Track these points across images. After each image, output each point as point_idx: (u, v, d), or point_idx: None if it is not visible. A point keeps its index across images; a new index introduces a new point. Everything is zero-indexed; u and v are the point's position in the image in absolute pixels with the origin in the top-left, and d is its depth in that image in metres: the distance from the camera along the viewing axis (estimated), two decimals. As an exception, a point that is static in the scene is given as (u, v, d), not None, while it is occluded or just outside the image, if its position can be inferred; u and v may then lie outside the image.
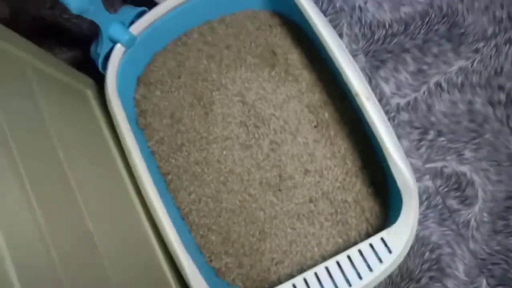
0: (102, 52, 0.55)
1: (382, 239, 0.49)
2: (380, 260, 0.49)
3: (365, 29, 0.71)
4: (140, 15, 0.60)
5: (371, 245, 0.49)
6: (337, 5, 0.74)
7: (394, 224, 0.49)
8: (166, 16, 0.62)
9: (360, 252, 0.49)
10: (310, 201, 0.59)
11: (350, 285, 0.48)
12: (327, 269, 0.50)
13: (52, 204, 0.36)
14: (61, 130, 0.45)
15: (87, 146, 0.52)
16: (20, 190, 0.33)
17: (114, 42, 0.55)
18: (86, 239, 0.39)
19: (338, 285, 0.48)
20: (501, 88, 0.66)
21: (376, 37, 0.70)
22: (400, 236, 0.49)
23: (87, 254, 0.38)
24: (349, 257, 0.50)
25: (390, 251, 0.49)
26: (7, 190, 0.31)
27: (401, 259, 0.49)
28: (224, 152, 0.62)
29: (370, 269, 0.48)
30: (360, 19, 0.72)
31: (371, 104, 0.49)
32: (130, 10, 0.59)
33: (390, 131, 0.49)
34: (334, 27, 0.73)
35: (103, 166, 0.53)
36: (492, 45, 0.68)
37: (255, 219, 0.60)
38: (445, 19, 0.70)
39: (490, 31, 0.69)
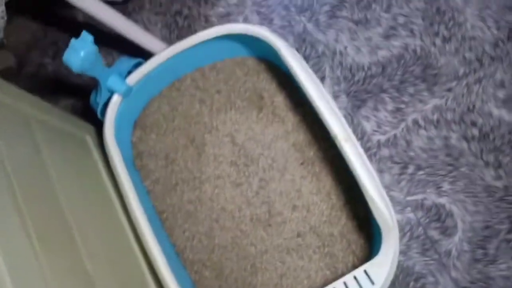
0: (101, 101, 0.59)
1: (365, 271, 0.52)
2: (364, 291, 0.52)
3: (346, 72, 0.77)
4: (136, 65, 0.66)
5: (355, 277, 0.52)
6: (319, 50, 0.80)
7: (375, 257, 0.52)
8: (160, 65, 0.67)
9: (345, 284, 0.52)
10: (299, 235, 0.62)
11: (337, 316, 0.51)
12: (315, 301, 0.52)
13: (53, 246, 0.39)
14: (62, 175, 0.49)
15: (86, 188, 0.55)
16: (25, 233, 0.36)
17: (112, 92, 0.60)
18: (86, 281, 0.42)
19: (326, 316, 0.51)
20: (474, 124, 0.71)
21: (356, 78, 0.76)
22: (381, 268, 0.52)
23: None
24: (335, 289, 0.52)
25: (372, 283, 0.52)
26: (12, 234, 0.35)
27: (384, 290, 0.52)
28: (216, 191, 0.65)
29: (355, 300, 0.51)
30: (341, 63, 0.78)
31: (349, 146, 0.53)
32: (127, 61, 0.64)
33: (368, 171, 0.53)
34: (317, 70, 0.78)
35: (101, 207, 0.57)
36: (463, 84, 0.74)
37: (247, 254, 0.62)
38: (419, 61, 0.76)
39: (461, 71, 0.74)
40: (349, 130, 0.56)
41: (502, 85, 0.74)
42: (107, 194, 0.61)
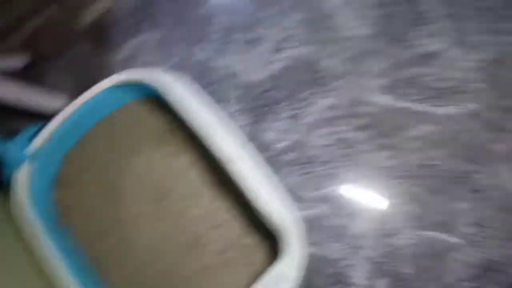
0: (8, 173, 0.62)
1: (277, 271, 0.58)
2: (279, 290, 0.58)
3: (243, 91, 0.83)
4: (39, 130, 0.69)
5: (269, 279, 0.58)
6: (218, 75, 0.86)
7: (282, 257, 0.59)
8: (64, 122, 0.71)
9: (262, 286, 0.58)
10: (221, 252, 0.68)
11: (257, 318, 0.56)
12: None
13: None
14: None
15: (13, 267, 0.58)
16: None
17: (18, 163, 0.63)
18: None
19: (248, 321, 0.56)
20: (362, 114, 0.79)
21: (253, 95, 0.83)
22: (291, 265, 0.58)
23: None
24: (253, 294, 0.58)
25: (286, 280, 0.58)
26: None
27: (298, 284, 0.58)
28: (140, 229, 0.70)
29: (272, 300, 0.57)
30: (238, 83, 0.84)
31: (231, 167, 0.59)
32: (29, 129, 0.68)
33: (255, 186, 0.60)
34: (218, 94, 0.84)
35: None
36: (348, 81, 0.82)
37: (179, 282, 0.67)
38: (307, 67, 0.84)
39: (344, 69, 0.83)
40: (234, 150, 0.62)
41: (383, 74, 0.82)
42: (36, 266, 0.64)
